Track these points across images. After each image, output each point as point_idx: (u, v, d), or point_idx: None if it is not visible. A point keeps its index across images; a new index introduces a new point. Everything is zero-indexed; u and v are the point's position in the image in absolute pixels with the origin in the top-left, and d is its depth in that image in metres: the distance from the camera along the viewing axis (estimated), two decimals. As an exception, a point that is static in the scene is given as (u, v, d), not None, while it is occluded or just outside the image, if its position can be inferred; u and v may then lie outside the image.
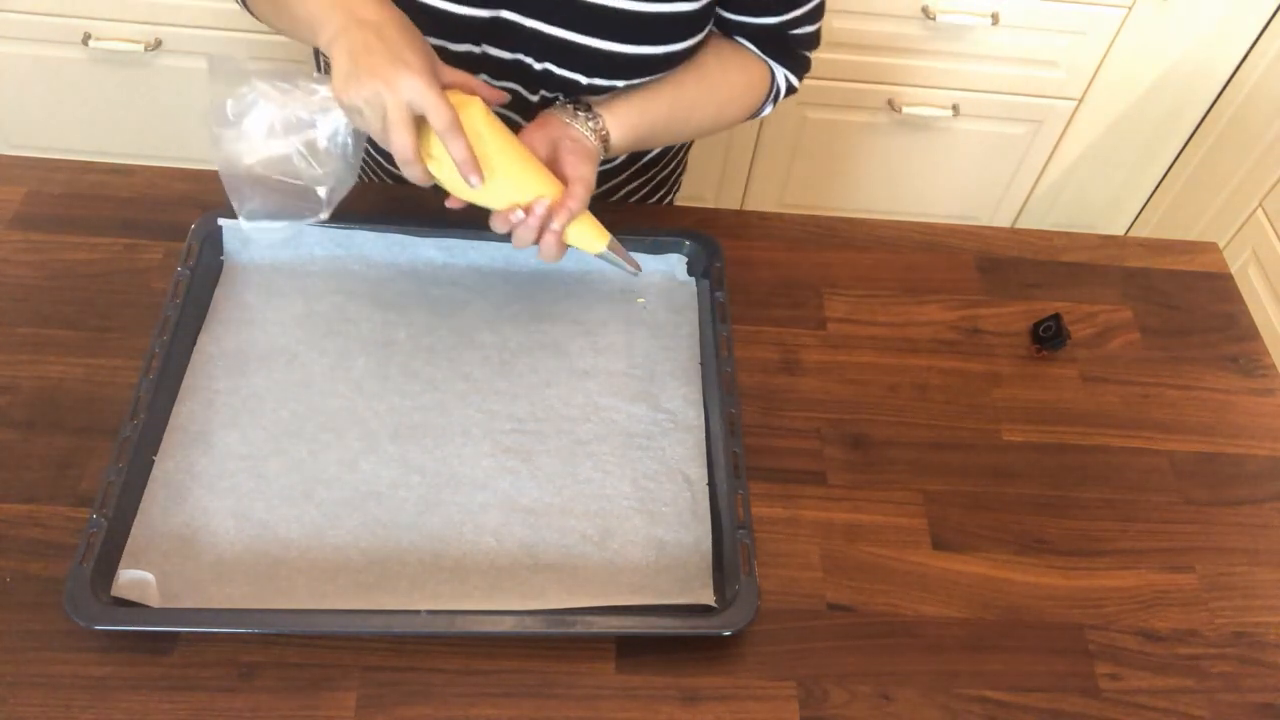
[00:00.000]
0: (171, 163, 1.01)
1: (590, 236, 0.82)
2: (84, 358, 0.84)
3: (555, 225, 0.78)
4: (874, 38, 1.65)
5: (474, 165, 0.74)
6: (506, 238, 0.80)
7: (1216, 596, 0.80)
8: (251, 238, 0.90)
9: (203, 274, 0.88)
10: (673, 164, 1.13)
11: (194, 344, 0.85)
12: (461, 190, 0.77)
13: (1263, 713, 0.74)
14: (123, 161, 1.00)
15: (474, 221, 0.84)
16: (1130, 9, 1.61)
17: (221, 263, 0.91)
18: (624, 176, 1.07)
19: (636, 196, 1.09)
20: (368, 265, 0.92)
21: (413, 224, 0.91)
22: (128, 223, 0.94)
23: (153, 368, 0.80)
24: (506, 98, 0.81)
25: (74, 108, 1.77)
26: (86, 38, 1.64)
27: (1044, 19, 1.63)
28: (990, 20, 1.61)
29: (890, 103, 1.75)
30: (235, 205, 0.78)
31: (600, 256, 0.84)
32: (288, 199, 0.77)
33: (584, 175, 0.80)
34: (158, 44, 1.66)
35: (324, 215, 0.78)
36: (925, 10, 1.61)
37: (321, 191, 0.77)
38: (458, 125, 0.72)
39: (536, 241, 0.79)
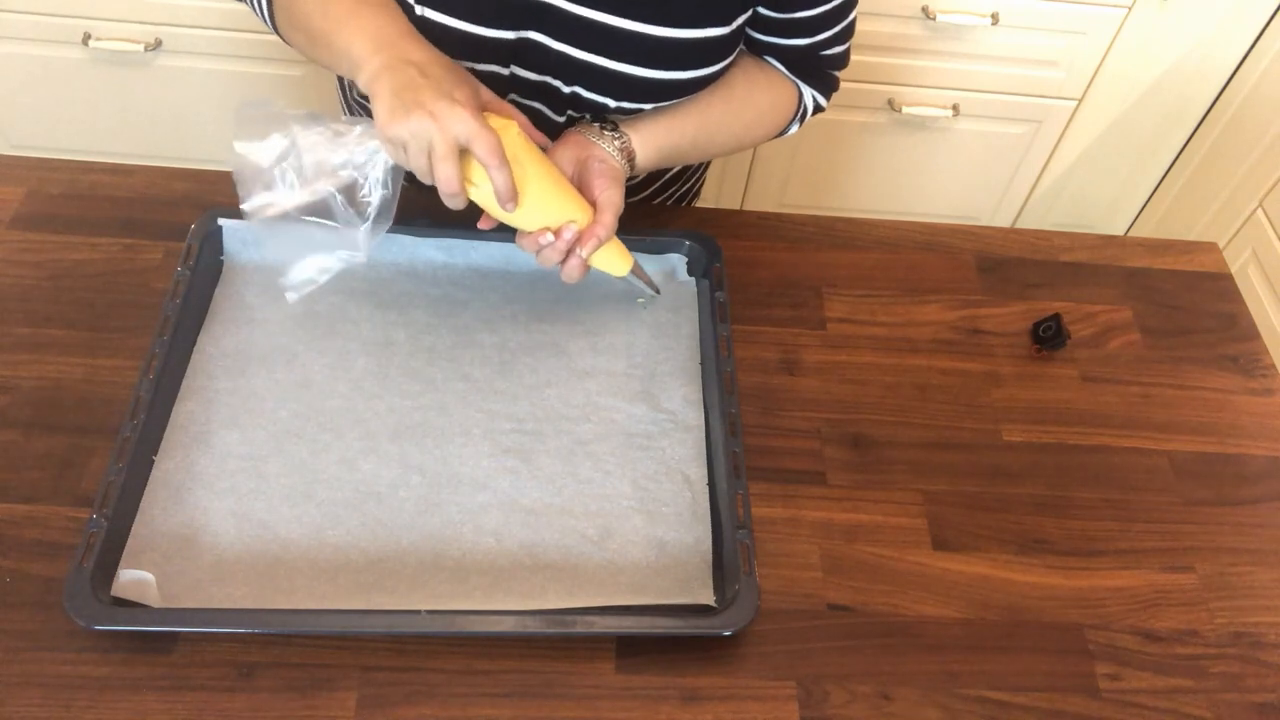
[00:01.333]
0: (171, 163, 1.01)
1: (615, 261, 0.84)
2: (84, 358, 0.84)
3: (583, 253, 0.80)
4: (874, 38, 1.65)
5: (513, 193, 0.74)
6: (509, 238, 0.81)
7: (1216, 596, 0.80)
8: (250, 238, 0.90)
9: (203, 274, 0.88)
10: (693, 179, 1.14)
11: (194, 344, 0.85)
12: (496, 212, 0.78)
13: (1263, 713, 0.74)
14: (123, 161, 1.00)
15: (474, 223, 0.84)
16: (1130, 9, 1.61)
17: (221, 263, 0.91)
18: (648, 193, 1.07)
19: (666, 178, 1.09)
20: (368, 265, 0.92)
21: (413, 224, 0.91)
22: (128, 223, 0.94)
23: (153, 368, 0.80)
24: (545, 140, 0.80)
25: (74, 108, 1.77)
26: (86, 38, 1.64)
27: (1044, 19, 1.63)
28: (990, 20, 1.61)
29: (890, 103, 1.75)
30: (281, 280, 0.77)
31: (623, 280, 0.86)
32: (325, 241, 0.76)
33: (613, 201, 0.81)
34: (158, 44, 1.66)
35: (362, 258, 0.76)
36: (925, 10, 1.61)
37: (360, 233, 0.75)
38: (502, 154, 0.72)
39: (561, 263, 0.80)
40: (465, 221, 0.85)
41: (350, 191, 0.74)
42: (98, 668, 0.69)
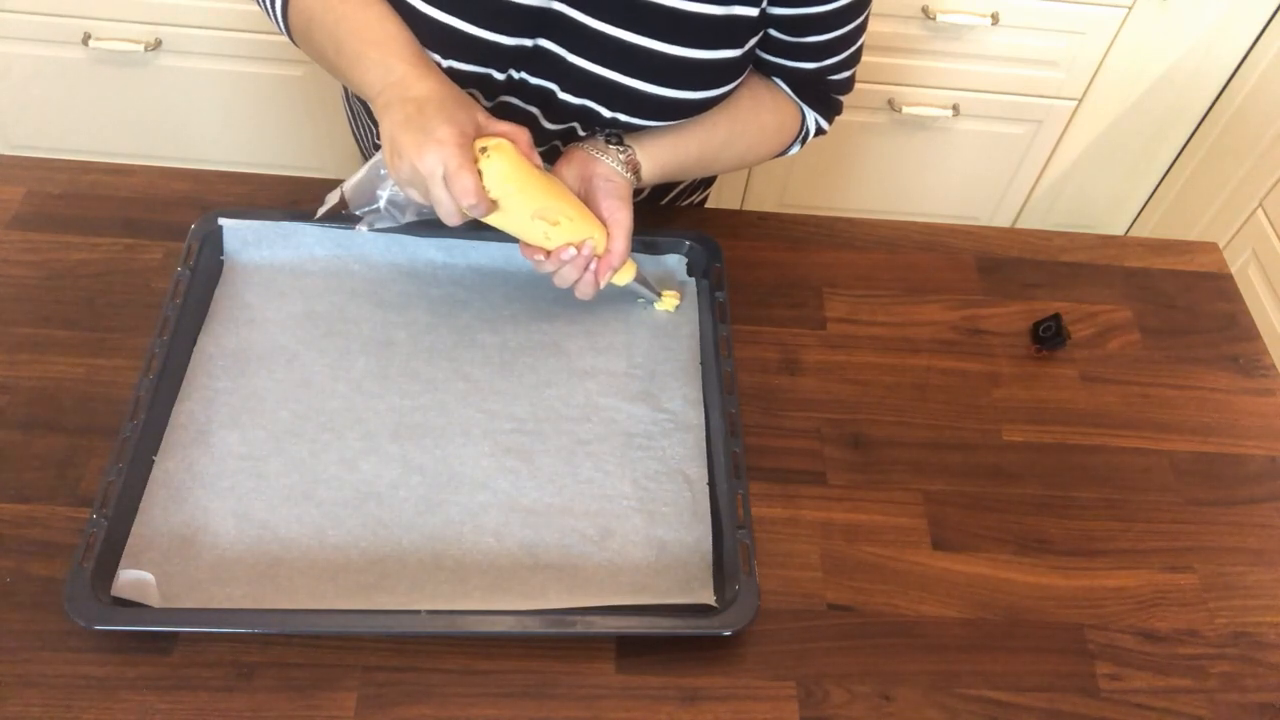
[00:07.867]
0: (171, 163, 1.01)
1: (620, 271, 0.86)
2: (84, 358, 0.84)
3: (601, 282, 0.83)
4: (874, 38, 1.65)
5: (488, 207, 0.75)
6: (508, 238, 0.81)
7: (1216, 596, 0.80)
8: (250, 238, 0.90)
9: (203, 274, 0.88)
10: (702, 190, 1.14)
11: (194, 344, 0.85)
12: (517, 232, 0.80)
13: (1263, 713, 0.74)
14: (123, 161, 1.00)
15: (473, 222, 0.84)
16: (1130, 9, 1.61)
17: (221, 263, 0.91)
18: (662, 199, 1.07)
19: (671, 195, 1.09)
20: (368, 265, 0.92)
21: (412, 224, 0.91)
22: (128, 223, 0.94)
23: (153, 368, 0.80)
24: (540, 163, 0.81)
25: (74, 108, 1.77)
26: (86, 38, 1.64)
27: (1044, 19, 1.63)
28: (990, 20, 1.61)
29: (890, 103, 1.75)
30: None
31: (626, 287, 0.89)
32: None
33: (622, 223, 0.82)
34: (158, 44, 1.66)
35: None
36: (925, 10, 1.61)
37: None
38: (477, 192, 0.73)
39: (576, 281, 0.82)
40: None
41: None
42: (98, 668, 0.69)
